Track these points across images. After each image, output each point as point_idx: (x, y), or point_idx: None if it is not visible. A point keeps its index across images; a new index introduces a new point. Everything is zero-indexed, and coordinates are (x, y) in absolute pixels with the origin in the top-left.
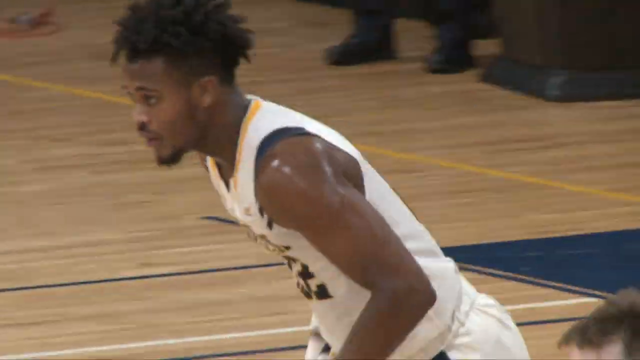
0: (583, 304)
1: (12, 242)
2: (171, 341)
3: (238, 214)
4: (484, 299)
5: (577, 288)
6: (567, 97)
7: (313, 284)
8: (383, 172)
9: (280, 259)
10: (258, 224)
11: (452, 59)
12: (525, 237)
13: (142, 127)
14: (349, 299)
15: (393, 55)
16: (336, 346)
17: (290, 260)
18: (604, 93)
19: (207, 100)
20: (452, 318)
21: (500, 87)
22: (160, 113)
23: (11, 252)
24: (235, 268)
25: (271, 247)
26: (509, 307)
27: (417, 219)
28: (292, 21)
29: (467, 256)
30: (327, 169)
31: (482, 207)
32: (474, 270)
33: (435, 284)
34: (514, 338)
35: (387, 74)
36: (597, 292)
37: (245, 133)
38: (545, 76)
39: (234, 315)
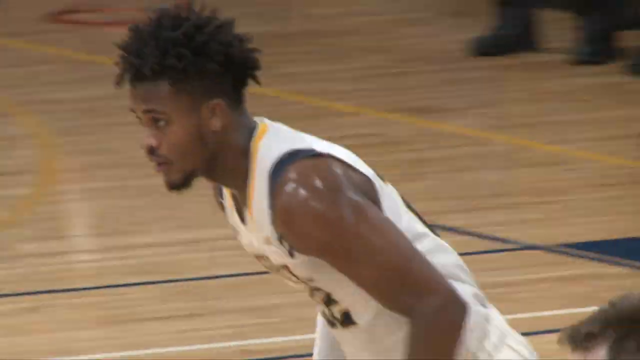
0: None
1: (157, 235)
2: None
3: (257, 245)
4: (516, 337)
5: None
6: None
7: (337, 311)
8: (531, 164)
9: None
10: (279, 254)
11: (598, 50)
12: None
13: (151, 151)
14: (374, 326)
15: (537, 46)
16: None
17: (314, 290)
18: None
19: (215, 123)
20: (479, 347)
21: None
22: (169, 136)
23: (156, 244)
24: None
25: (294, 280)
26: None
27: (435, 233)
28: (434, 11)
29: (618, 250)
30: (345, 190)
31: (633, 201)
32: (625, 265)
33: None
34: None
35: (532, 65)
36: None
37: (255, 157)
38: None
39: None
